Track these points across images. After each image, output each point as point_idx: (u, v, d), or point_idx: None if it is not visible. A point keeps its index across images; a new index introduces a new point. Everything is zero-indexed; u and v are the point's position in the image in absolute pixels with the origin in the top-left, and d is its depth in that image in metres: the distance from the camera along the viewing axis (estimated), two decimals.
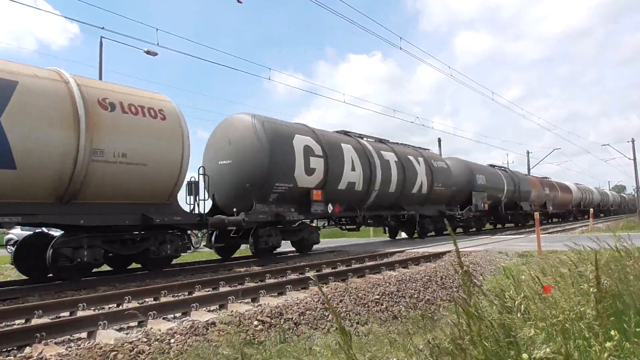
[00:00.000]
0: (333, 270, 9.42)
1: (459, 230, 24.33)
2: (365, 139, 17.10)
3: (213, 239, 12.47)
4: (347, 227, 17.13)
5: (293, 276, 8.85)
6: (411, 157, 18.61)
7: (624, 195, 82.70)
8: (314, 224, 15.51)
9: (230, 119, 12.99)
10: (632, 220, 29.93)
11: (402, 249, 13.85)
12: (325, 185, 13.71)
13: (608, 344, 1.86)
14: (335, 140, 14.91)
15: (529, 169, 45.04)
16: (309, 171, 13.12)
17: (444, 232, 21.05)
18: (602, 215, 53.56)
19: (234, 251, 14.11)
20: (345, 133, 16.47)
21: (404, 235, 22.13)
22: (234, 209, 11.96)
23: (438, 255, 11.45)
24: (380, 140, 18.35)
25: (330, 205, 14.06)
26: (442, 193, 20.49)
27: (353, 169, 14.84)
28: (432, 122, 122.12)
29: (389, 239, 21.79)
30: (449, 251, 12.33)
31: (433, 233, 20.84)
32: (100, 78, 18.14)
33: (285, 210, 12.80)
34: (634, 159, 44.30)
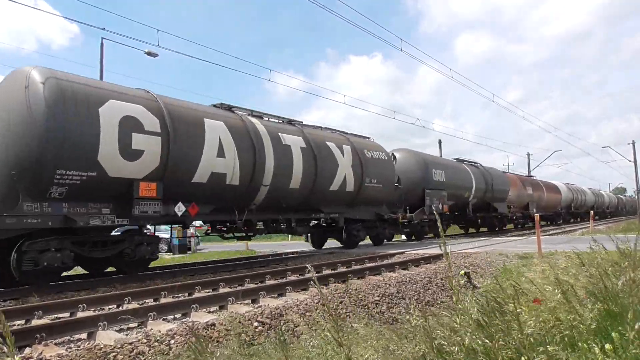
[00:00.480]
0: (333, 271, 9.42)
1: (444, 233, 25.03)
2: (264, 118, 13.02)
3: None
4: (227, 235, 12.89)
5: (293, 277, 8.84)
6: (330, 144, 14.20)
7: (621, 197, 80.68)
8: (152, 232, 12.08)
9: (12, 74, 8.87)
10: (632, 222, 29.88)
11: (402, 250, 13.85)
12: (166, 176, 9.58)
13: (608, 346, 1.86)
14: (191, 113, 10.52)
15: (529, 171, 45.02)
16: (130, 154, 9.01)
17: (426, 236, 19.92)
18: (597, 218, 49.00)
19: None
20: (229, 108, 12.14)
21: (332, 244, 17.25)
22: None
23: (438, 257, 11.43)
24: (290, 122, 13.93)
25: (180, 204, 10.09)
26: (378, 191, 16.05)
27: (221, 154, 10.67)
28: (432, 124, 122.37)
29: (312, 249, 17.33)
30: (450, 253, 12.31)
31: (368, 241, 17.15)
32: (101, 79, 18.16)
33: (84, 211, 8.70)
34: (635, 161, 44.29)
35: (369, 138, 17.46)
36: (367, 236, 16.86)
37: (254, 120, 12.26)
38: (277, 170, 11.99)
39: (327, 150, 14.04)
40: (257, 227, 12.69)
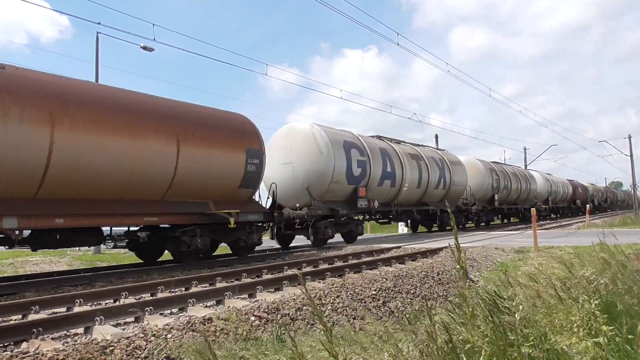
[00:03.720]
0: (330, 265, 9.44)
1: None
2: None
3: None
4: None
5: (290, 272, 8.86)
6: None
7: (615, 190, 78.33)
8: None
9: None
10: (628, 217, 30.04)
11: (399, 244, 13.89)
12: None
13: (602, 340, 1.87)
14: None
15: (525, 165, 45.11)
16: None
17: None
18: (580, 214, 43.15)
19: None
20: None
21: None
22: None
23: (435, 251, 11.48)
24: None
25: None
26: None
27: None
28: (429, 119, 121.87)
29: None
30: (446, 247, 12.37)
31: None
32: (97, 74, 18.07)
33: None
34: (631, 155, 44.51)
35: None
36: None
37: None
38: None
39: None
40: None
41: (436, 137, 35.67)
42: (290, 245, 16.14)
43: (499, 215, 31.71)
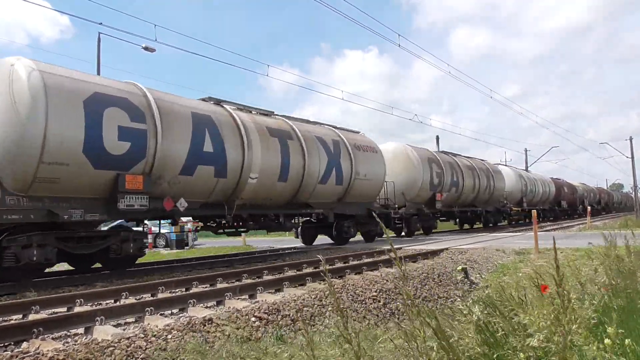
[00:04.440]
0: (330, 267, 9.43)
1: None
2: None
3: None
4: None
5: (290, 273, 8.85)
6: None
7: (611, 191, 70.94)
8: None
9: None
10: (629, 219, 30.00)
11: (399, 246, 13.87)
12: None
13: (607, 341, 1.86)
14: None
15: (526, 167, 45.11)
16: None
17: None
18: (564, 217, 39.65)
19: None
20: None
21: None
22: None
23: (435, 253, 11.46)
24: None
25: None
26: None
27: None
28: (430, 120, 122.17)
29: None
30: (447, 248, 12.35)
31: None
32: (98, 74, 18.08)
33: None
34: (632, 157, 44.40)
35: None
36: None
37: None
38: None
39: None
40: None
41: (437, 138, 35.71)
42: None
43: (457, 220, 26.69)
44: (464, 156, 25.04)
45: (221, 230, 12.78)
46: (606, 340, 1.86)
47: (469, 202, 24.11)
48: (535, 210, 13.10)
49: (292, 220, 14.24)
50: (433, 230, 22.16)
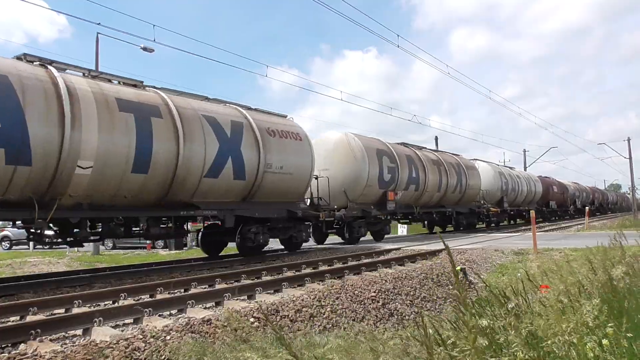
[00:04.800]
0: (329, 267, 9.43)
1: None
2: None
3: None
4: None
5: (289, 273, 8.84)
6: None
7: (606, 191, 66.81)
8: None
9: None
10: (627, 219, 30.07)
11: (398, 246, 13.88)
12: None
13: (605, 341, 1.86)
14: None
15: (525, 167, 45.18)
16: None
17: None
18: (553, 219, 37.10)
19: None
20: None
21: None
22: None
23: (434, 253, 11.47)
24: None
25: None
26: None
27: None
28: (429, 120, 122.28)
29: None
30: (445, 249, 12.34)
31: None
32: None
33: None
34: (630, 158, 44.55)
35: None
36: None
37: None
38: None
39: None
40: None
41: (436, 138, 35.74)
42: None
43: (424, 223, 23.85)
44: (430, 149, 22.63)
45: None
46: (604, 341, 1.86)
47: (435, 203, 21.00)
48: (533, 211, 13.11)
49: (167, 226, 10.81)
50: (385, 236, 19.17)
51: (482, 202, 24.66)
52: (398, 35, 20.91)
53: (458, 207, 22.61)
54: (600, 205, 52.58)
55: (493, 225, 28.97)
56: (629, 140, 44.82)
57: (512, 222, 32.89)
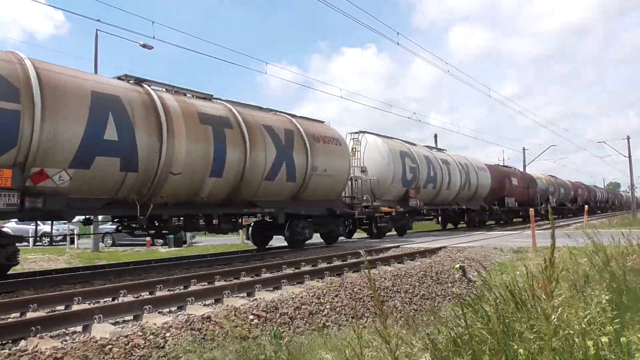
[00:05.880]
0: (329, 265, 9.44)
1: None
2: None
3: None
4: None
5: (289, 271, 8.86)
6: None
7: (595, 188, 58.11)
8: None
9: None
10: (626, 218, 30.09)
11: (398, 244, 13.89)
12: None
13: (604, 339, 1.87)
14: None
15: (524, 166, 45.16)
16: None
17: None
18: (510, 221, 29.51)
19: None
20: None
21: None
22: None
23: (433, 251, 11.49)
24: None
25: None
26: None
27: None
28: (428, 118, 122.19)
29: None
30: (445, 247, 12.38)
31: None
32: (96, 71, 18.04)
33: None
34: (629, 156, 44.53)
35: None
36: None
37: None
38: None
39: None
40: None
41: (435, 136, 35.73)
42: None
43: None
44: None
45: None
46: (603, 338, 1.87)
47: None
48: (532, 209, 12.93)
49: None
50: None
51: (364, 197, 16.85)
52: (398, 33, 20.94)
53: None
54: (586, 203, 40.91)
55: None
56: (628, 138, 44.80)
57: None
